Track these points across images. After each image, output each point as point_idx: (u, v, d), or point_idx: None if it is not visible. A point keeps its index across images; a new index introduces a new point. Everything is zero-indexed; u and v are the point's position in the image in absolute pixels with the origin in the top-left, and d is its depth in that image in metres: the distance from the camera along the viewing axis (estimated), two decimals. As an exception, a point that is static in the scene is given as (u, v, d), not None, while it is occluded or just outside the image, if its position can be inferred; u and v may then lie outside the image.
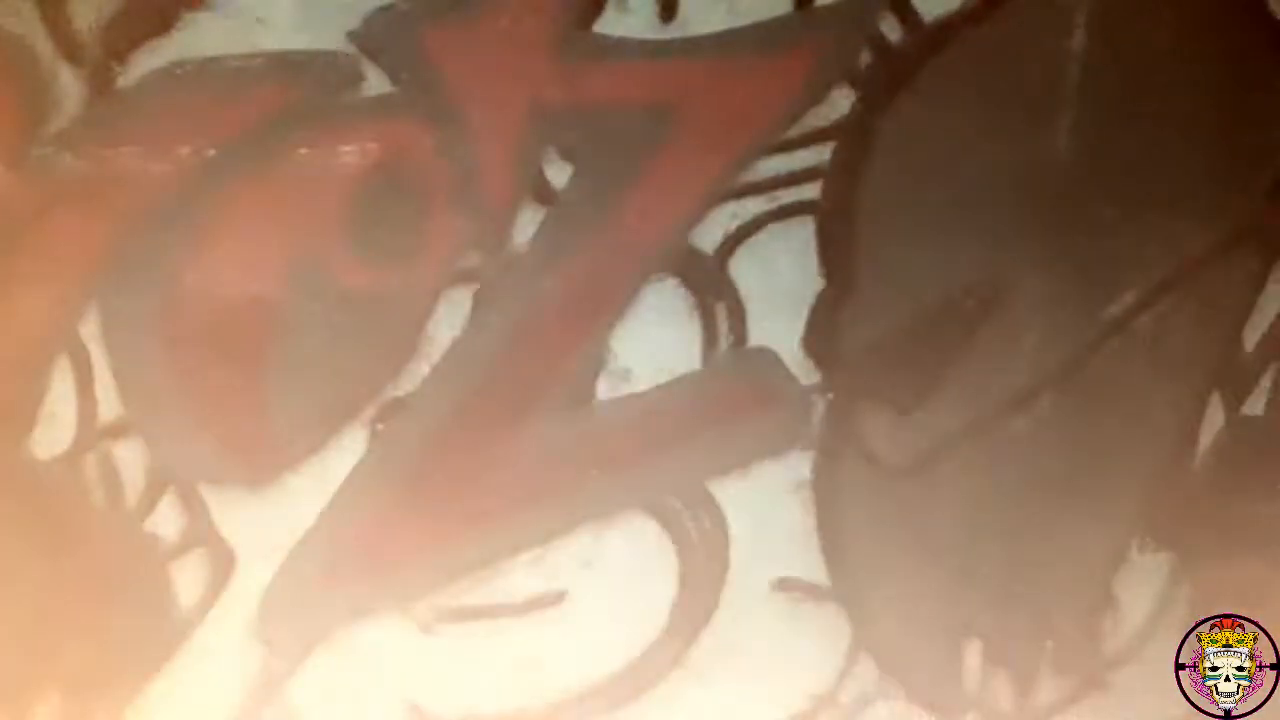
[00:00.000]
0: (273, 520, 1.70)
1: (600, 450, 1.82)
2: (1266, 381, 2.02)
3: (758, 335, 1.84)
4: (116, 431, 1.63)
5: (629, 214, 1.75)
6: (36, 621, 1.64)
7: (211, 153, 1.58)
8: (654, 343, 1.81)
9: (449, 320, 1.71)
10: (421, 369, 1.72)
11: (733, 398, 1.86)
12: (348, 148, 1.62)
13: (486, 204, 1.69)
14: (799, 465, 1.90)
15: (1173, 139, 1.89)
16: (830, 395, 1.88)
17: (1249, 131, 1.91)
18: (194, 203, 1.60)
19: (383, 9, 1.60)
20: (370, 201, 1.64)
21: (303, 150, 1.61)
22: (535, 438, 1.78)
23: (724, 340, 1.83)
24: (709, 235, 1.79)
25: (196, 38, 1.56)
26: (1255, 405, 2.02)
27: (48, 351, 1.59)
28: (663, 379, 1.82)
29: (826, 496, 1.91)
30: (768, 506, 1.91)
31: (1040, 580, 2.03)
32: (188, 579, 1.69)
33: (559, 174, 1.71)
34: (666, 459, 1.85)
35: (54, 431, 1.61)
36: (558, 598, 1.84)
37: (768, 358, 1.85)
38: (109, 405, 1.62)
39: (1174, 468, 2.04)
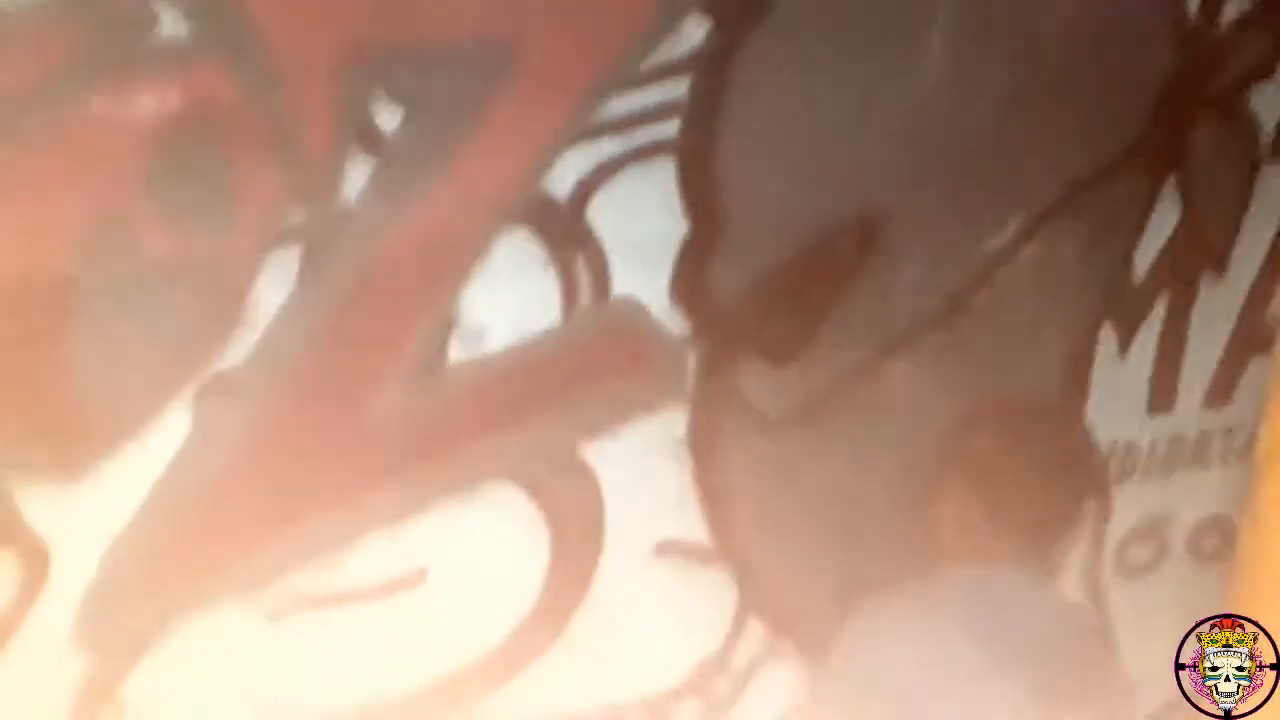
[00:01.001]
0: (91, 513, 1.48)
1: (456, 417, 1.64)
2: (1160, 309, 1.89)
3: (621, 286, 1.66)
4: None
5: (470, 160, 1.55)
6: None
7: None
8: (509, 300, 1.62)
9: (275, 284, 1.50)
10: (247, 339, 1.50)
11: (598, 354, 1.69)
12: (143, 98, 1.38)
13: (307, 154, 1.47)
14: (673, 422, 1.74)
15: (1051, 58, 1.72)
16: (703, 346, 1.72)
17: (1132, 48, 1.75)
18: None
19: (176, -60, 1.39)
20: (173, 157, 1.40)
21: (91, 102, 1.37)
22: (383, 407, 1.59)
23: (585, 293, 1.65)
24: (562, 181, 1.60)
25: (-39, -20, 1.35)
26: (1148, 337, 1.88)
27: None
28: (521, 338, 1.63)
29: (704, 453, 1.76)
30: (642, 467, 1.75)
31: (919, 514, 1.81)
32: None
33: (389, 119, 1.49)
34: (530, 423, 1.68)
35: None
36: (418, 576, 1.66)
37: (633, 309, 1.68)
38: None
39: (1064, 411, 1.90)
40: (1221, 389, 2.11)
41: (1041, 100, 1.73)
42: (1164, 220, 1.86)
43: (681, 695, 1.83)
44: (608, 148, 1.60)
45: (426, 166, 1.53)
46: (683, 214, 1.65)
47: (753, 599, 1.83)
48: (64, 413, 1.46)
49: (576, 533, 1.72)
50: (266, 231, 1.49)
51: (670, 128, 1.62)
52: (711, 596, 1.82)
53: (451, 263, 1.58)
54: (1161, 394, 1.98)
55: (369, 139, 1.49)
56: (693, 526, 1.78)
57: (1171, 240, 1.86)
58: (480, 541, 1.68)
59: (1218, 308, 2.05)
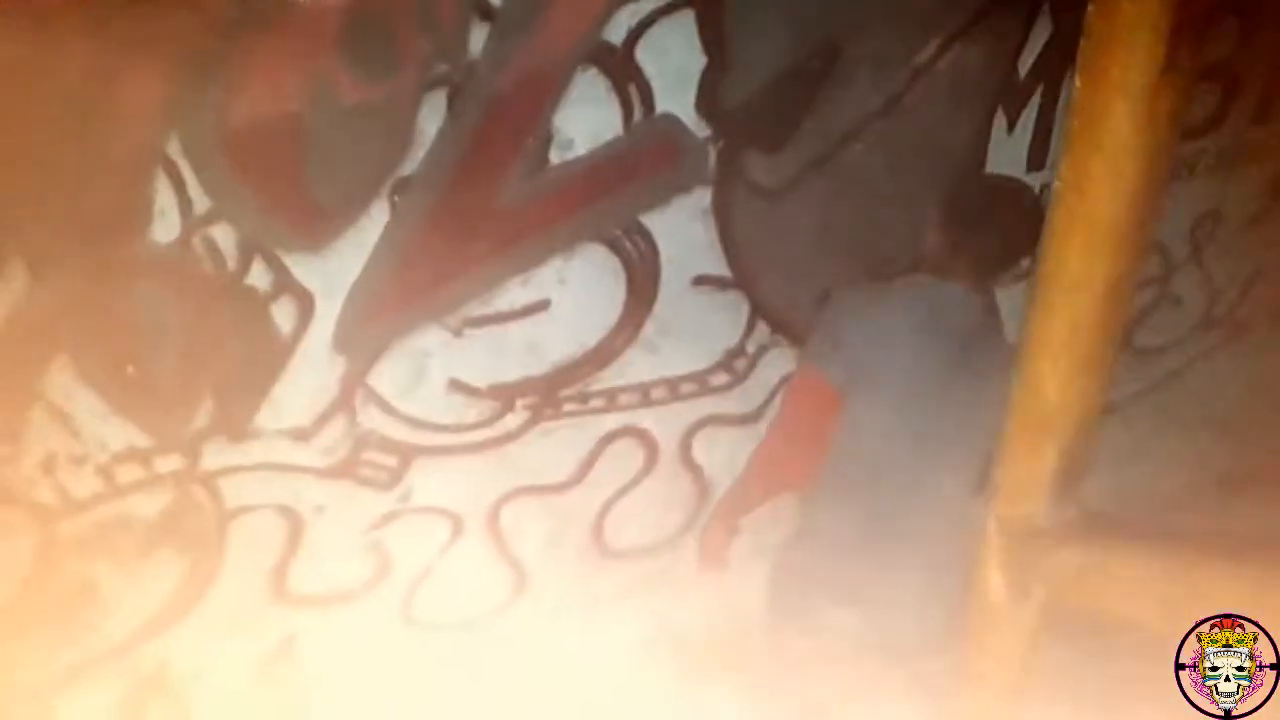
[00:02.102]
0: (334, 272, 1.52)
1: (557, 200, 1.61)
2: (1035, 98, 1.75)
3: (662, 105, 1.59)
4: (210, 220, 1.43)
5: (553, 22, 1.48)
6: (183, 355, 1.51)
7: (231, 5, 1.32)
8: (586, 118, 1.57)
9: (431, 117, 1.48)
10: (417, 155, 1.49)
11: (649, 153, 1.63)
12: None
13: (443, 26, 1.42)
14: (701, 197, 1.69)
15: None
16: (719, 143, 1.65)
17: None
18: (226, 48, 1.34)
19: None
20: (355, 34, 1.38)
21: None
22: (508, 195, 1.57)
23: (638, 111, 1.58)
24: (616, 32, 1.52)
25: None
26: (1028, 118, 1.76)
27: (148, 167, 1.38)
28: (597, 145, 1.58)
29: (723, 216, 1.71)
30: (683, 227, 1.70)
31: (873, 243, 1.80)
32: (282, 316, 1.52)
33: None
34: (607, 202, 1.64)
35: (166, 224, 1.41)
36: (542, 305, 1.67)
37: (671, 121, 1.61)
38: (201, 202, 1.41)
39: (971, 167, 1.79)
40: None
41: None
42: (1040, 34, 1.70)
43: (715, 371, 1.84)
44: (646, 4, 1.51)
45: (523, 29, 1.47)
46: (701, 51, 1.57)
47: (759, 309, 1.81)
48: (309, 209, 1.48)
49: (641, 272, 1.70)
50: (421, 80, 1.46)
51: None
52: (731, 310, 1.80)
53: (546, 94, 1.53)
54: (1036, 156, 1.84)
55: (484, 12, 1.44)
56: (718, 264, 1.75)
57: (1045, 48, 1.70)
58: (580, 281, 1.67)
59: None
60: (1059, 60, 1.72)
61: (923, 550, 1.47)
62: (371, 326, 1.59)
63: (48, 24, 1.28)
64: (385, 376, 1.63)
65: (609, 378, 1.77)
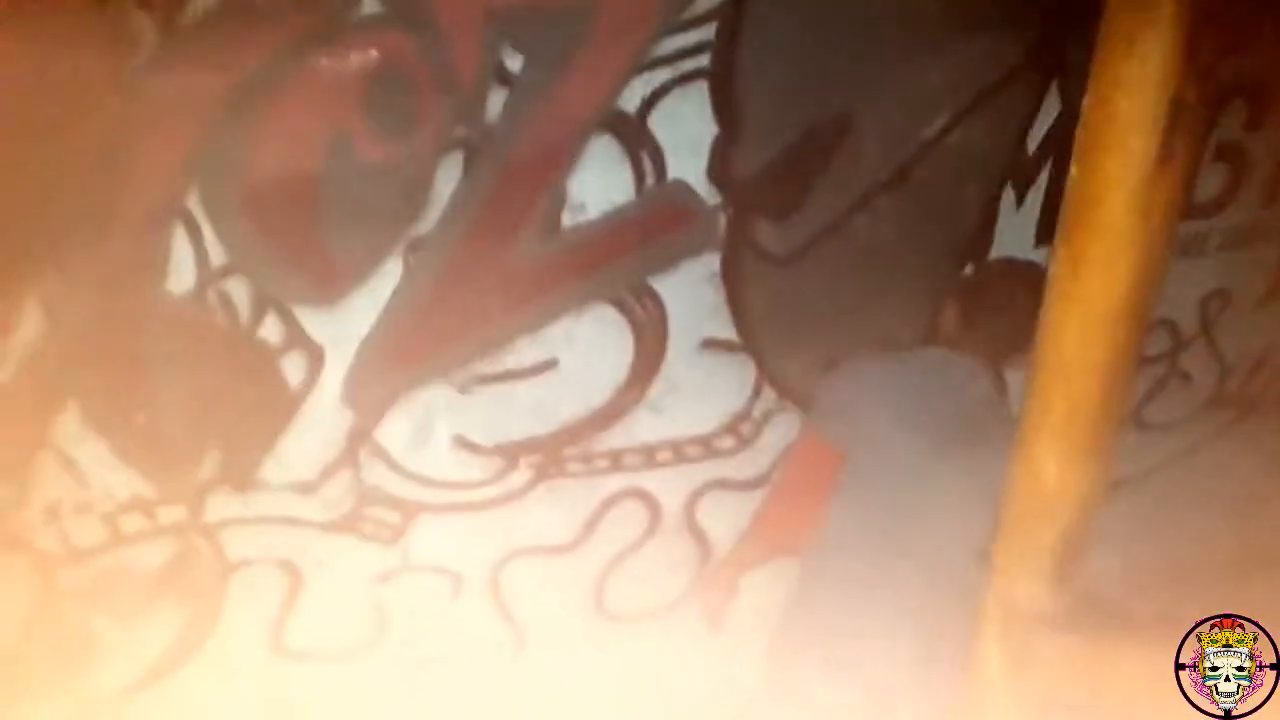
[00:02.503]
0: (345, 326, 1.54)
1: (569, 263, 1.62)
2: (1044, 173, 1.76)
3: (674, 172, 1.60)
4: (225, 273, 1.46)
5: (569, 89, 1.51)
6: (192, 405, 1.53)
7: (255, 67, 1.37)
8: (599, 184, 1.58)
9: (447, 177, 1.51)
10: (433, 214, 1.52)
11: (660, 218, 1.64)
12: (354, 54, 1.39)
13: (462, 89, 1.46)
14: (711, 262, 1.69)
15: None
16: (729, 210, 1.66)
17: None
18: (249, 107, 1.39)
19: (369, -53, 1.36)
20: (376, 94, 1.42)
21: (323, 60, 1.39)
22: (521, 257, 1.58)
23: (650, 177, 1.60)
24: (631, 100, 1.55)
25: (232, -16, 1.35)
26: (1036, 194, 1.77)
27: (167, 220, 1.42)
28: (609, 209, 1.60)
29: (732, 281, 1.71)
30: (691, 291, 1.70)
31: (882, 313, 1.80)
32: (292, 370, 1.54)
33: (514, 62, 1.46)
34: (617, 265, 1.65)
35: (181, 276, 1.44)
36: (551, 363, 1.68)
37: (682, 187, 1.62)
38: (217, 255, 1.45)
39: (981, 241, 1.79)
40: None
41: (957, 23, 1.59)
42: (1049, 110, 1.71)
43: (720, 434, 1.83)
44: (661, 75, 1.54)
45: (540, 94, 1.49)
46: (714, 121, 1.58)
47: (766, 374, 1.80)
48: (324, 264, 1.50)
49: (649, 334, 1.70)
50: (439, 142, 1.49)
51: (704, 60, 1.54)
52: (738, 373, 1.79)
53: (560, 159, 1.55)
54: (1044, 231, 1.82)
55: (502, 76, 1.47)
56: (726, 328, 1.74)
57: (1054, 124, 1.71)
58: (588, 341, 1.68)
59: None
60: (1067, 136, 1.70)
61: (922, 623, 1.45)
62: (380, 382, 1.60)
63: (78, 78, 1.33)
64: (391, 432, 1.64)
65: (614, 438, 1.77)
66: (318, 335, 1.53)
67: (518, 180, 1.54)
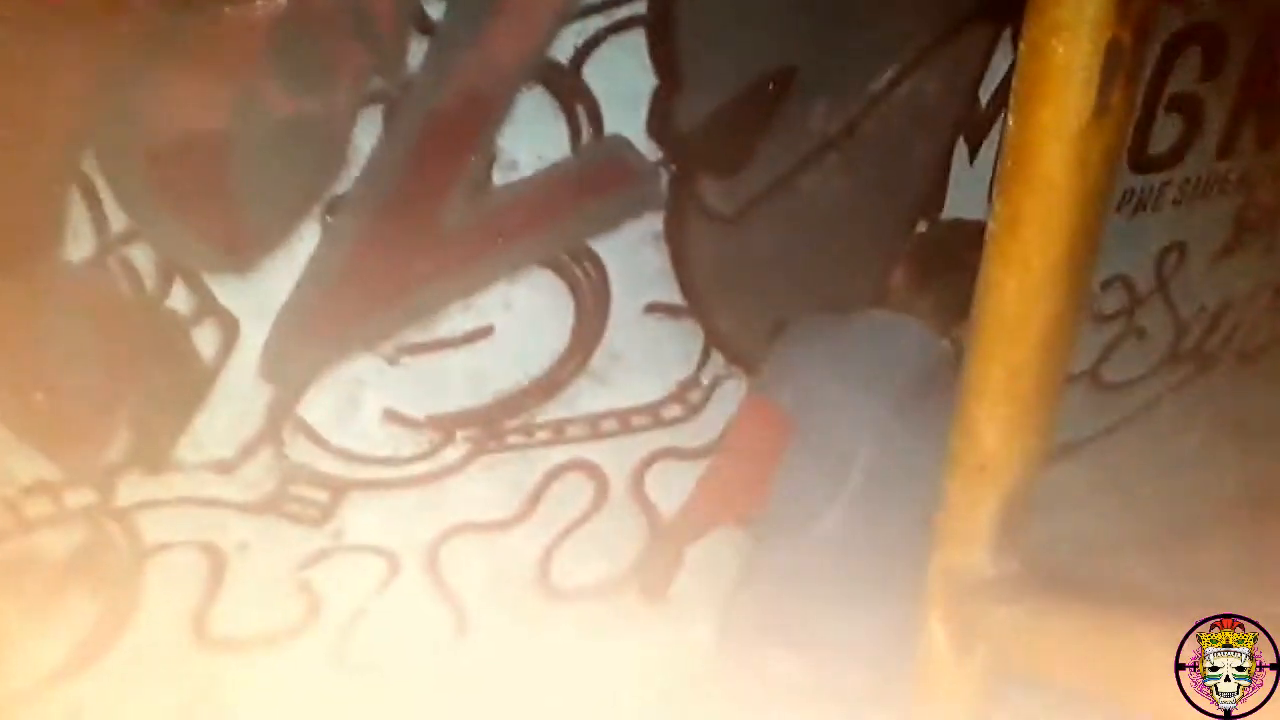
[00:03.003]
0: (261, 294, 1.46)
1: (502, 223, 1.56)
2: (997, 128, 1.72)
3: (611, 126, 1.55)
4: (127, 239, 1.37)
5: (496, 37, 1.44)
6: (96, 382, 1.44)
7: (154, 17, 1.27)
8: (531, 138, 1.52)
9: (367, 133, 1.43)
10: (353, 172, 1.44)
11: (598, 176, 1.59)
12: (261, 3, 1.30)
13: (380, 38, 1.38)
14: (653, 222, 1.65)
15: None
16: (672, 167, 1.61)
17: None
18: (153, 58, 1.28)
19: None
20: (286, 45, 1.33)
21: (226, 8, 1.29)
22: (449, 217, 1.52)
23: (586, 132, 1.54)
24: (563, 50, 1.48)
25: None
26: (989, 148, 1.73)
27: (61, 183, 1.32)
28: (543, 166, 1.54)
29: (676, 242, 1.66)
30: (634, 253, 1.66)
31: (831, 274, 1.76)
32: (205, 342, 1.46)
33: (436, 9, 1.39)
34: (554, 226, 1.59)
35: (79, 243, 1.35)
36: (487, 331, 1.61)
37: (621, 142, 1.57)
38: (117, 220, 1.35)
39: (933, 199, 1.77)
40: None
41: None
42: (1001, 61, 1.69)
43: (668, 402, 1.79)
44: (594, 23, 1.48)
45: (465, 43, 1.43)
46: (653, 72, 1.53)
47: (714, 339, 1.76)
48: (234, 228, 1.42)
49: (590, 300, 1.65)
50: (357, 95, 1.41)
51: (640, 6, 1.48)
52: (685, 338, 1.75)
53: (488, 113, 1.48)
54: None
55: (423, 25, 1.40)
56: (671, 292, 1.70)
57: (1007, 75, 1.66)
58: (525, 307, 1.62)
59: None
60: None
61: (873, 595, 1.42)
62: (301, 353, 1.53)
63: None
64: (316, 406, 1.56)
65: (556, 409, 1.71)
66: (231, 304, 1.45)
67: (443, 135, 1.47)
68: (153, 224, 1.38)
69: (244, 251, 1.44)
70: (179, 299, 1.43)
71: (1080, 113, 1.08)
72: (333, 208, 1.46)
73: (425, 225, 1.52)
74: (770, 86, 1.59)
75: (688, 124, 1.59)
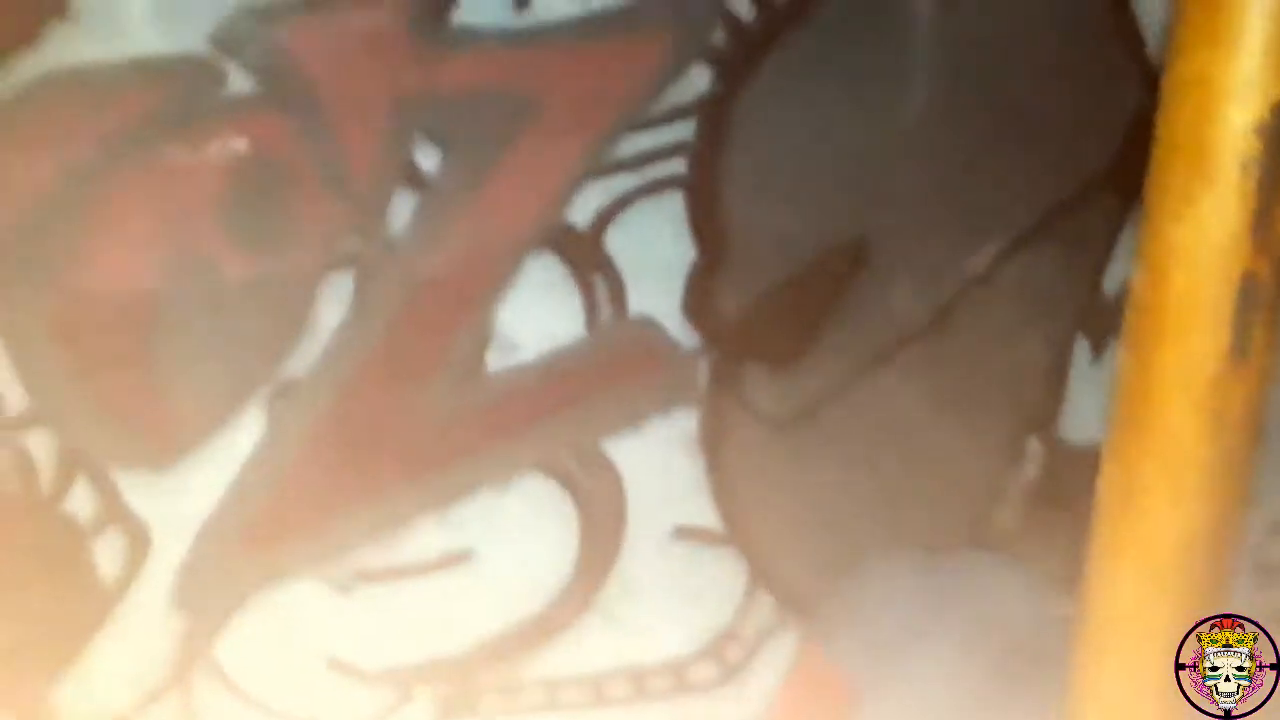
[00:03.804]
0: (182, 497, 1.37)
1: (494, 418, 1.46)
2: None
3: (637, 304, 1.46)
4: (25, 421, 1.29)
5: (500, 194, 1.38)
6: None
7: (86, 156, 1.23)
8: (538, 315, 1.44)
9: (333, 303, 1.36)
10: (311, 350, 1.36)
11: (617, 363, 1.49)
12: (215, 144, 1.26)
13: (357, 190, 1.32)
14: (685, 421, 1.52)
15: (1026, 97, 1.46)
16: (712, 356, 1.50)
17: (1100, 76, 1.47)
18: (74, 205, 1.24)
19: (240, 10, 1.23)
20: (242, 194, 1.28)
21: (171, 149, 1.25)
22: (428, 408, 1.43)
23: (604, 310, 1.45)
24: (583, 212, 1.41)
25: (63, 49, 1.20)
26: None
27: (-51, 352, 1.27)
28: (549, 349, 1.43)
29: (714, 449, 1.54)
30: (660, 461, 1.53)
31: (912, 500, 1.60)
32: (106, 556, 1.36)
33: (429, 159, 1.33)
34: (558, 422, 1.49)
35: (-38, 425, 1.32)
36: (464, 555, 1.49)
37: (648, 324, 1.48)
38: (15, 398, 1.28)
39: (1046, 408, 1.61)
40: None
41: (1017, 133, 1.46)
42: (1130, 242, 1.56)
43: (698, 659, 1.61)
44: (623, 183, 1.41)
45: (461, 200, 1.36)
46: (691, 240, 1.45)
47: (760, 576, 1.59)
48: (155, 412, 1.34)
49: (602, 518, 1.53)
50: (324, 257, 1.35)
51: (679, 164, 1.41)
52: (724, 575, 1.59)
53: (486, 284, 1.41)
54: None
55: (412, 176, 1.34)
56: (706, 513, 1.56)
57: None
58: (518, 525, 1.49)
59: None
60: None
61: None
62: (226, 575, 1.42)
63: None
64: (238, 646, 1.44)
65: (551, 663, 1.55)
66: (143, 509, 1.36)
67: (427, 309, 1.39)
68: (57, 406, 1.31)
69: (166, 442, 1.36)
70: (79, 500, 1.35)
71: (1214, 357, 0.93)
72: (283, 391, 1.37)
73: (395, 419, 1.43)
74: (836, 264, 1.49)
75: (733, 304, 1.49)
